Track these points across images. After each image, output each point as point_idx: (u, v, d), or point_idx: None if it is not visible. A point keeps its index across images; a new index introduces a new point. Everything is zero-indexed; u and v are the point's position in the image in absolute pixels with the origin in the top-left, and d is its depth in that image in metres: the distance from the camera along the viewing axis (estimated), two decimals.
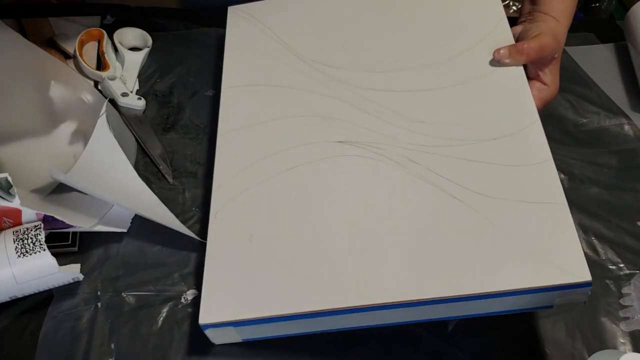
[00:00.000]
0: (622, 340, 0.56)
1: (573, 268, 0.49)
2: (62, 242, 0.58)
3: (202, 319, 0.51)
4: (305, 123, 0.62)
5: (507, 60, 0.63)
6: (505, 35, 0.66)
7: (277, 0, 0.75)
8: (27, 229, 0.54)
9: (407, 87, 0.63)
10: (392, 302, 0.50)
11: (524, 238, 0.51)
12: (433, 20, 0.70)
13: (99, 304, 0.56)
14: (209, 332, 0.52)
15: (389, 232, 0.53)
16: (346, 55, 0.68)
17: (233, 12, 0.75)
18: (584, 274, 0.49)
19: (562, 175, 0.69)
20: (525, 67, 0.64)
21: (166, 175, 0.65)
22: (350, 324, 0.52)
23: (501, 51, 0.63)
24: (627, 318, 0.58)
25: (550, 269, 0.49)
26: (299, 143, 0.60)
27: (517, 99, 0.61)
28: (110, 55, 0.76)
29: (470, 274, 0.50)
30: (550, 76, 0.65)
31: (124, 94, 0.71)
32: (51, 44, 0.76)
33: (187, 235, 0.60)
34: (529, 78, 0.64)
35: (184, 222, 0.61)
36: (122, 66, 0.75)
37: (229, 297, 0.52)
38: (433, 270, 0.51)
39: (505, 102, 0.60)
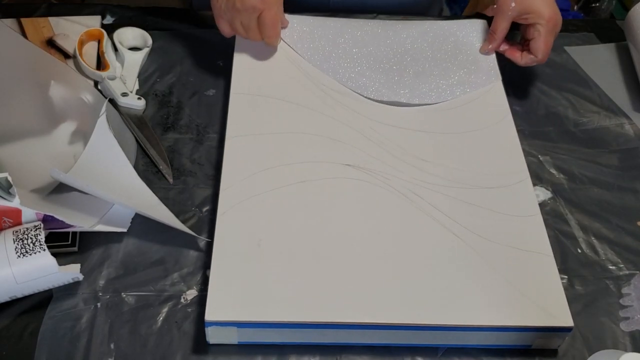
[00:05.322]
0: (622, 340, 0.56)
1: (558, 313, 0.53)
2: (62, 242, 0.58)
3: (209, 316, 0.51)
4: (314, 142, 0.64)
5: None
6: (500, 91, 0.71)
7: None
8: (27, 229, 0.54)
9: (413, 127, 0.67)
10: (380, 324, 0.52)
11: (514, 280, 0.55)
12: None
13: (98, 304, 0.56)
14: (209, 330, 0.52)
15: (388, 256, 0.56)
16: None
17: None
18: (567, 320, 0.53)
19: (562, 175, 0.69)
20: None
21: (166, 175, 0.65)
22: (346, 339, 0.54)
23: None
24: (627, 318, 0.58)
25: (537, 311, 0.53)
26: (308, 159, 0.62)
27: (512, 154, 0.65)
28: (110, 55, 0.76)
29: (461, 307, 0.53)
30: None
31: (124, 94, 0.71)
32: (51, 44, 0.76)
33: (187, 236, 0.60)
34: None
35: (183, 221, 0.61)
36: (122, 66, 0.75)
37: (236, 297, 0.52)
38: (427, 298, 0.53)
39: (501, 156, 0.64)
